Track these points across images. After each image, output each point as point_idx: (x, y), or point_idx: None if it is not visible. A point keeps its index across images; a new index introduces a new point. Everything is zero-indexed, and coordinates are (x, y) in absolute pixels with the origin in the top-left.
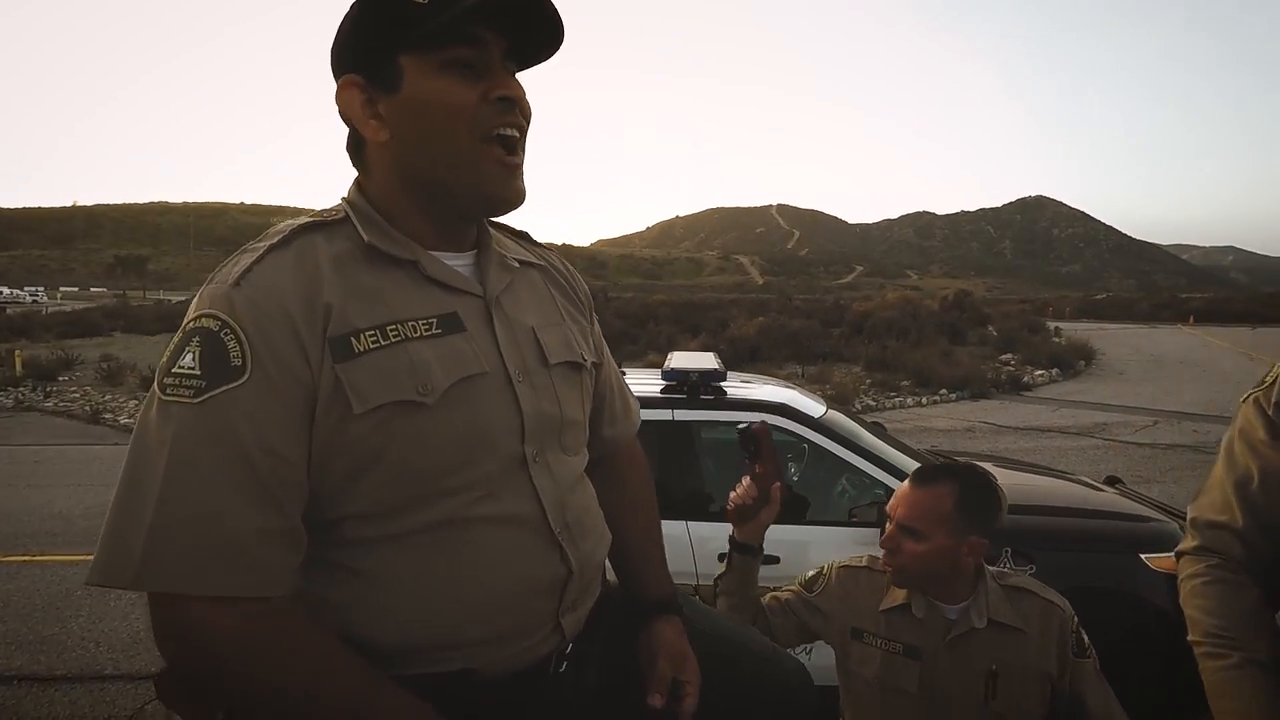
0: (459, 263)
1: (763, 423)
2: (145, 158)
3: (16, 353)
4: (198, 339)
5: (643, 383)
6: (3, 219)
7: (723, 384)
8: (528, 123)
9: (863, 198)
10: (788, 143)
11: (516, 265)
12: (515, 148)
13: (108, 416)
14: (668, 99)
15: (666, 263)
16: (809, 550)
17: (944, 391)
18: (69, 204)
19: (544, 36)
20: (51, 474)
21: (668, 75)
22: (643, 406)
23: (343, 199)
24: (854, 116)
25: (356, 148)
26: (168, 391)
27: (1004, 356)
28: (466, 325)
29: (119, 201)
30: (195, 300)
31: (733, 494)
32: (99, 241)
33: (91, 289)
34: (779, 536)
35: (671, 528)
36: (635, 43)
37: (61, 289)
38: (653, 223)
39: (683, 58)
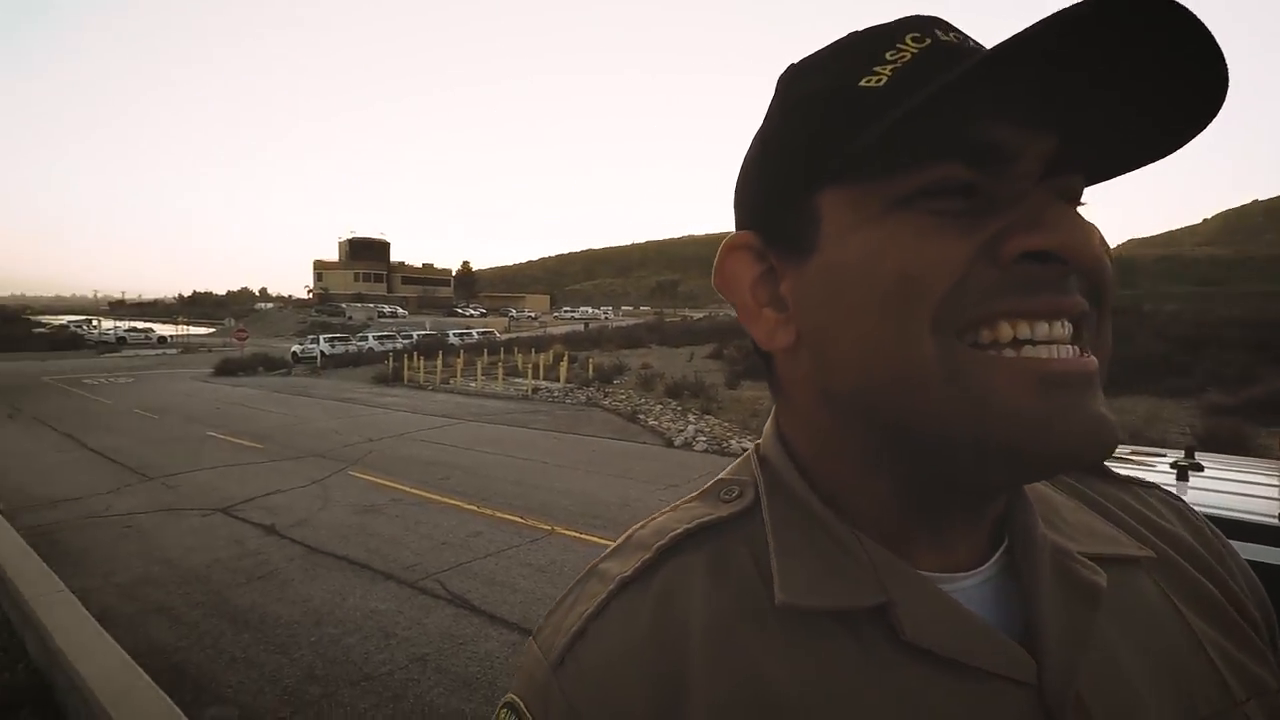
0: (970, 585)
1: None
2: (672, 204)
3: (590, 358)
4: None
5: (1244, 483)
6: (589, 257)
7: None
8: (1100, 289)
9: None
10: None
11: (1099, 577)
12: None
13: (641, 417)
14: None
15: (1235, 264)
16: None
17: None
18: (628, 243)
19: (1186, 99)
20: (602, 464)
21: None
22: (1255, 540)
23: (755, 451)
24: None
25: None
26: None
27: None
28: None
29: (660, 238)
30: (523, 656)
31: None
32: (647, 270)
33: (640, 307)
34: None
35: None
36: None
37: (623, 308)
38: (1210, 213)
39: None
